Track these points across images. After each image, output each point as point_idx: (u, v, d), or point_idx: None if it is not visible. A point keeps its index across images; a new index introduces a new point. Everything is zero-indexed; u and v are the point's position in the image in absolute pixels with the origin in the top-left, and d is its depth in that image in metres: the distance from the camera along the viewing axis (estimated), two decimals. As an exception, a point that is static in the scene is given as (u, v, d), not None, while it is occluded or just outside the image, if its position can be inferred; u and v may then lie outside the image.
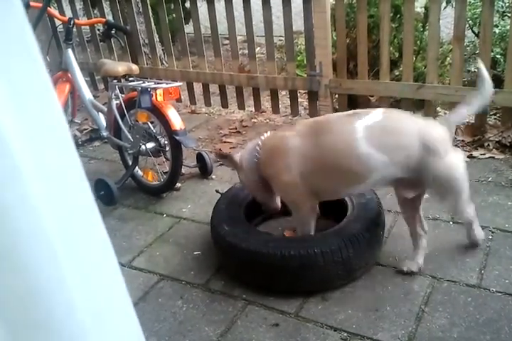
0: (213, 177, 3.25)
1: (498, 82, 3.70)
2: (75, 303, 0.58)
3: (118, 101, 3.05)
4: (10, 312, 0.55)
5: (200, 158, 3.32)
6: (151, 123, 3.00)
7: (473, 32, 4.65)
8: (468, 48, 4.67)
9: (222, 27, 4.21)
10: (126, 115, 3.00)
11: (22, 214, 0.52)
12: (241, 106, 4.28)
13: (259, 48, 5.31)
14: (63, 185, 0.57)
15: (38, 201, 0.53)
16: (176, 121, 2.80)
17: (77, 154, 0.59)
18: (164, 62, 5.15)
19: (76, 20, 3.34)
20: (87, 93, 3.29)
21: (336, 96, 3.85)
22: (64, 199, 0.57)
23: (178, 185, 3.15)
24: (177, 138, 2.76)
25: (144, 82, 2.92)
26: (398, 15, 3.65)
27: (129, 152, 3.09)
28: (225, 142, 3.78)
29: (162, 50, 5.09)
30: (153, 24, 4.49)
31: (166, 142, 2.92)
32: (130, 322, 0.68)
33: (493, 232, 2.46)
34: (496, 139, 3.34)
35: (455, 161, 2.01)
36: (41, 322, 0.57)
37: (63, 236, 0.56)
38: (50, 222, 0.55)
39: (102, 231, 0.62)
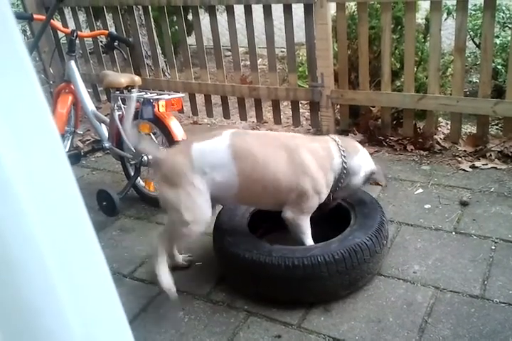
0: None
1: (499, 92, 3.72)
2: (66, 315, 0.58)
3: (120, 113, 3.06)
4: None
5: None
6: (154, 134, 3.01)
7: (475, 43, 4.68)
8: (469, 59, 4.70)
9: (224, 39, 4.24)
10: (129, 126, 3.01)
11: (14, 228, 0.52)
12: (243, 117, 4.29)
13: (260, 60, 5.34)
14: (55, 198, 0.57)
15: (30, 215, 0.53)
16: (178, 132, 2.81)
17: (71, 168, 0.59)
18: (167, 73, 5.19)
19: (79, 33, 3.36)
20: (89, 104, 3.30)
21: (338, 106, 3.86)
22: (56, 213, 0.57)
23: (180, 195, 3.14)
24: None
25: (146, 94, 2.93)
26: (399, 27, 3.67)
27: (131, 163, 3.09)
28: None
29: (164, 61, 5.12)
30: (155, 36, 4.52)
31: (168, 153, 2.92)
32: (123, 335, 0.68)
33: (496, 243, 2.45)
34: (498, 149, 3.33)
35: None
36: (31, 334, 0.56)
37: (55, 250, 0.56)
38: (41, 236, 0.55)
39: (94, 244, 0.62)
